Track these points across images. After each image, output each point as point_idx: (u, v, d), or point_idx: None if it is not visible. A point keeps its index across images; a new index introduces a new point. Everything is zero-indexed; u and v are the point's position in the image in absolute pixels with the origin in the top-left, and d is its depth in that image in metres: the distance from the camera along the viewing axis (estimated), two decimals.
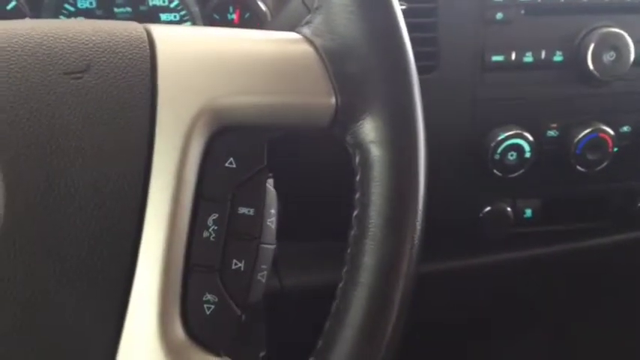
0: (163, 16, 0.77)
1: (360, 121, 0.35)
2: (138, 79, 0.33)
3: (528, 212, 0.76)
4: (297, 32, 0.39)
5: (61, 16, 0.75)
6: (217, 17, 0.74)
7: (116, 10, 0.77)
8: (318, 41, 0.37)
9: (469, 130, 0.70)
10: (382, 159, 0.34)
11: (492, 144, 0.69)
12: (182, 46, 0.36)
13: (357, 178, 0.35)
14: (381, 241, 0.34)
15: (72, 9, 0.75)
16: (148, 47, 0.34)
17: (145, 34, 0.35)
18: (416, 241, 0.35)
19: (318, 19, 0.38)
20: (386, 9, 0.36)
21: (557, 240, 0.81)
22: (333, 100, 0.36)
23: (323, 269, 0.64)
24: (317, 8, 0.38)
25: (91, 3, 0.77)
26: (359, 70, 0.35)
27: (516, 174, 0.71)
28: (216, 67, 0.35)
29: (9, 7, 0.74)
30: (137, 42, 0.34)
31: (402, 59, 0.36)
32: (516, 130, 0.69)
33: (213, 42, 0.37)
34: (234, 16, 0.75)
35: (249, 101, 0.35)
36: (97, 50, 0.34)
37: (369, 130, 0.35)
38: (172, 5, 0.76)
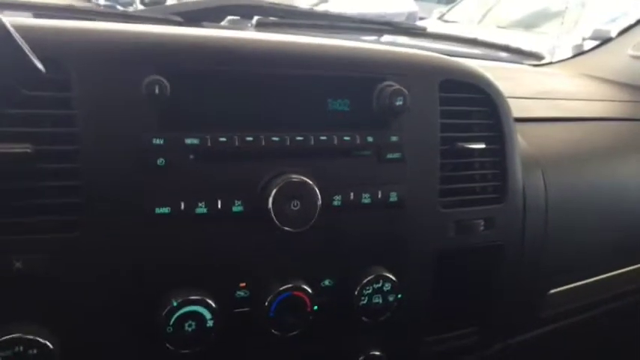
0: None
1: None
2: None
3: None
4: None
5: None
6: None
7: None
8: None
9: (132, 296, 0.57)
10: None
11: (164, 313, 0.57)
12: None
13: None
14: None
15: None
16: None
17: None
18: None
19: None
20: None
21: None
22: None
23: None
24: None
25: None
26: None
27: (194, 349, 0.59)
28: None
29: None
30: None
31: None
32: (193, 295, 0.58)
33: None
34: None
35: None
36: None
37: None
38: None
